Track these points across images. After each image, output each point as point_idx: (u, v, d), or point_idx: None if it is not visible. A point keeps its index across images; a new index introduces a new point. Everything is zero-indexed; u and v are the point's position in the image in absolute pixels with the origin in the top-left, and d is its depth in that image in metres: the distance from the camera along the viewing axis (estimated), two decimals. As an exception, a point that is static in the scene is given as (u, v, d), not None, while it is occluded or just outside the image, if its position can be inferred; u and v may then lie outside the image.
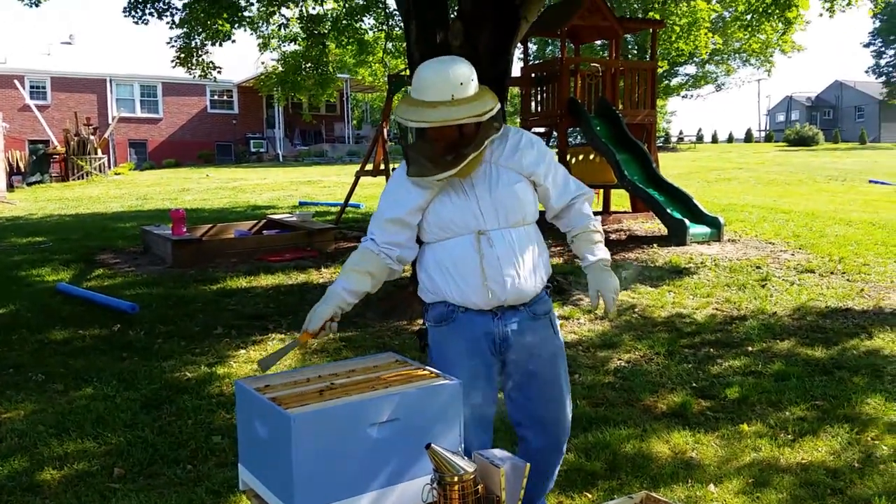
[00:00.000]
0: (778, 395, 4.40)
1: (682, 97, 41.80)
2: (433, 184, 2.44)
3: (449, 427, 2.27)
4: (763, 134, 52.25)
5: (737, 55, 36.07)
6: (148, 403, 4.44)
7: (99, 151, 24.44)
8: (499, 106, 2.43)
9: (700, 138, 48.80)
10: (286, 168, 27.57)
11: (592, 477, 3.39)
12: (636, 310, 6.41)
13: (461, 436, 2.32)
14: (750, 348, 5.35)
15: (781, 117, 64.60)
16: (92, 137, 24.11)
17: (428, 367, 2.46)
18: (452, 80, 2.34)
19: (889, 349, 5.27)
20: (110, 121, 29.04)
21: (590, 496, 3.19)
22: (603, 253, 2.59)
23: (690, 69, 38.07)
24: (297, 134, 35.11)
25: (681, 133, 51.35)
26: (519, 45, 13.74)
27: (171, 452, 3.76)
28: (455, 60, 2.41)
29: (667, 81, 36.57)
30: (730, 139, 50.44)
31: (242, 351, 5.53)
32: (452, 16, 6.94)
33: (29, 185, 22.32)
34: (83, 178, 23.29)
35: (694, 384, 4.63)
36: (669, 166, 22.32)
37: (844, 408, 4.21)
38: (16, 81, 29.03)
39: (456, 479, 2.00)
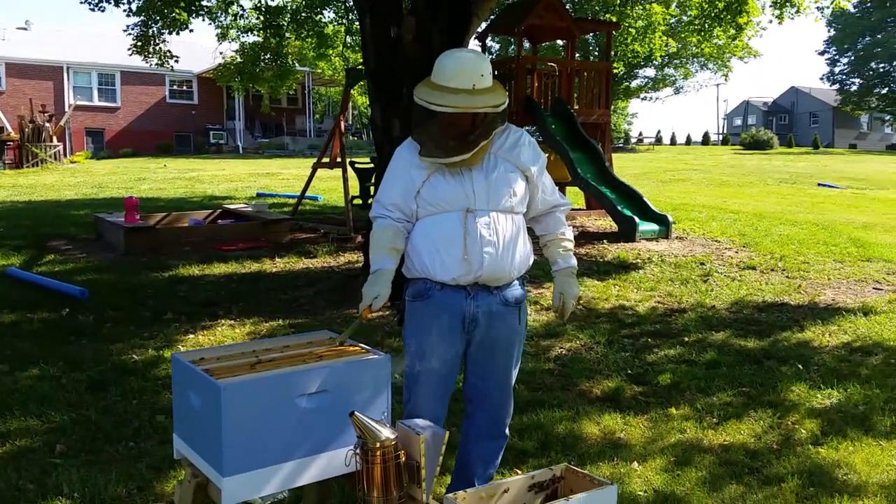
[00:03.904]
0: (708, 381, 4.59)
1: (642, 99, 42.41)
2: (434, 163, 2.62)
3: (376, 399, 2.39)
4: (720, 137, 53.07)
5: (694, 59, 36.72)
6: (94, 384, 4.48)
7: (54, 139, 24.02)
8: (507, 101, 2.63)
9: (659, 140, 49.53)
10: (246, 160, 27.39)
11: (524, 455, 3.53)
12: (581, 301, 6.58)
13: (389, 408, 2.43)
14: (686, 339, 5.54)
15: (739, 121, 65.71)
16: (47, 125, 23.70)
17: (359, 344, 2.58)
18: (476, 71, 2.54)
19: (819, 341, 5.50)
20: (67, 109, 28.54)
21: (519, 472, 3.33)
22: (573, 260, 2.84)
23: (650, 72, 38.68)
24: (257, 126, 34.86)
25: (640, 134, 52.06)
26: (478, 43, 13.95)
27: (114, 431, 3.82)
28: (479, 53, 2.67)
29: (627, 83, 37.07)
30: (688, 142, 51.18)
31: (191, 336, 5.57)
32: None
33: (-19, 171, 21.88)
34: (37, 166, 22.88)
35: (629, 371, 4.81)
36: (627, 166, 22.66)
37: (770, 394, 4.41)
38: (-32, 66, 28.44)
39: (378, 444, 2.11)
